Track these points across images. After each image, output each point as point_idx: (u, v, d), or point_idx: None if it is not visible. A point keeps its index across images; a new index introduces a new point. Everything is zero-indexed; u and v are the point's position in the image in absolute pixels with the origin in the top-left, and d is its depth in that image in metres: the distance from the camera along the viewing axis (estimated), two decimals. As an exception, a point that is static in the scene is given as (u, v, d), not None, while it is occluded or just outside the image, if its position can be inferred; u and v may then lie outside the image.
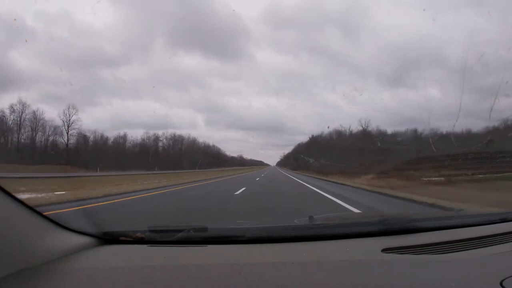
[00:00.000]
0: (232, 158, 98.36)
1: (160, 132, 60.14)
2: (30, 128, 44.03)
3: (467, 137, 22.77)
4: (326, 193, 10.52)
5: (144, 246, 1.20)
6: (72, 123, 46.16)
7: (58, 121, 46.36)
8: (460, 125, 21.92)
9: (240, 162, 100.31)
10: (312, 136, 51.69)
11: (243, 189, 12.05)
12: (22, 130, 43.56)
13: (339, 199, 8.48)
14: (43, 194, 8.98)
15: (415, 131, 29.43)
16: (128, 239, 1.24)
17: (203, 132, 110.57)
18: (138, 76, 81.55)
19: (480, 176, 12.36)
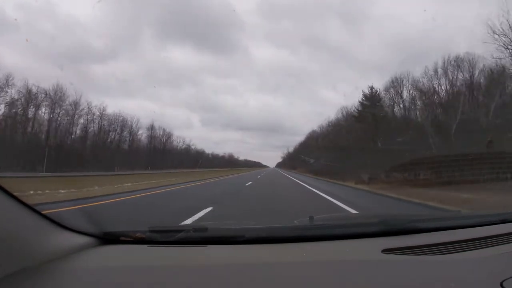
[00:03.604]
0: (215, 157, 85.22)
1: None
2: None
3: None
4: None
5: (144, 246, 1.20)
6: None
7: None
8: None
9: (229, 163, 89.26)
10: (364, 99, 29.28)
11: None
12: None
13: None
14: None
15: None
16: (128, 239, 1.24)
17: (200, 133, 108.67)
18: (131, 74, 77.79)
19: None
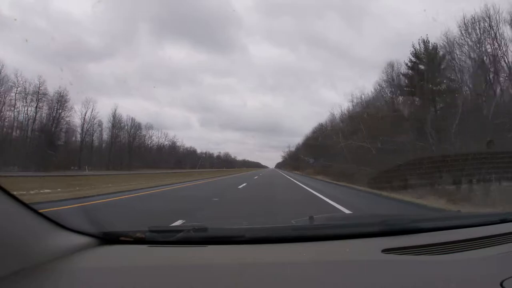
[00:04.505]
0: (210, 156, 79.61)
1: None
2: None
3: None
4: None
5: (144, 246, 1.20)
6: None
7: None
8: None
9: (225, 163, 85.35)
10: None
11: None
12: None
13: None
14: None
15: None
16: (128, 239, 1.24)
17: (199, 133, 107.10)
18: (130, 73, 74.45)
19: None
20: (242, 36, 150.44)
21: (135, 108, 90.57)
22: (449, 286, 0.88)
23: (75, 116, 38.40)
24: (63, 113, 35.10)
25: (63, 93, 34.61)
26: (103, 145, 43.17)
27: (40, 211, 1.04)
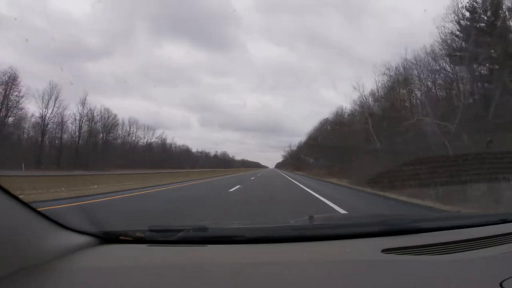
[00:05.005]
0: (206, 155, 77.44)
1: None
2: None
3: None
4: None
5: (144, 245, 1.20)
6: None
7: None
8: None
9: (223, 163, 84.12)
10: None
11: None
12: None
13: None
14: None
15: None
16: (128, 238, 1.24)
17: (198, 133, 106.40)
18: (129, 73, 74.07)
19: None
20: (241, 35, 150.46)
21: (134, 108, 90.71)
22: (449, 286, 0.88)
23: (35, 105, 31.03)
24: (12, 97, 28.55)
25: (12, 74, 27.80)
26: (75, 140, 36.58)
27: (39, 209, 1.04)
